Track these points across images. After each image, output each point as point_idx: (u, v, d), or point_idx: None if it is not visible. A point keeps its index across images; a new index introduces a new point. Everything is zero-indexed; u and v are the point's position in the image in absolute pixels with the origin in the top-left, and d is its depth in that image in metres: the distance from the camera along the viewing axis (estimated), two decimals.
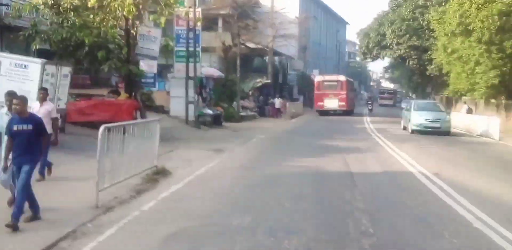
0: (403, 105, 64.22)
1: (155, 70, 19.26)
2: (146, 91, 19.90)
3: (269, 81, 42.55)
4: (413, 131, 24.78)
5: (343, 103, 38.43)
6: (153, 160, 11.63)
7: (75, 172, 10.61)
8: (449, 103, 45.70)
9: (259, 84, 39.42)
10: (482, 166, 14.47)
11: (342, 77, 41.94)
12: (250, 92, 37.78)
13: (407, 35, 38.87)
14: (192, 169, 12.40)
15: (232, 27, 36.14)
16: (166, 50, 20.41)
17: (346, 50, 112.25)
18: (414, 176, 12.06)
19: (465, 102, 31.69)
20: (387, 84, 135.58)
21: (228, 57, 37.67)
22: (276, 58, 55.36)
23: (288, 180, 11.15)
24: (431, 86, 63.93)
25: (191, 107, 24.16)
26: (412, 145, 19.05)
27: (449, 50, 29.45)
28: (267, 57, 45.43)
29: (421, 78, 46.08)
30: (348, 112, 39.05)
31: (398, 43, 39.57)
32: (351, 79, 48.04)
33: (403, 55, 39.50)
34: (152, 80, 19.19)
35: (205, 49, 39.03)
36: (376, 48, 43.34)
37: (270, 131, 25.05)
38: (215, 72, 30.53)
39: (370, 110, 45.39)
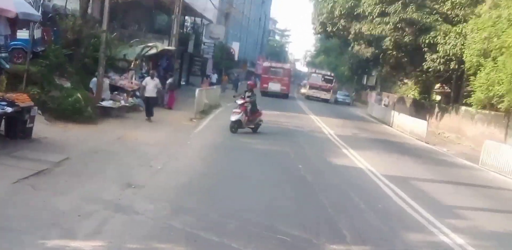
0: (340, 98, 49.03)
1: None
2: None
3: (172, 48, 25.43)
4: None
5: (285, 87, 41.45)
6: None
7: None
8: (420, 108, 31.23)
9: (153, 50, 22.22)
10: None
11: (286, 66, 47.41)
12: (134, 64, 20.62)
13: (400, 2, 23.19)
14: None
15: None
16: None
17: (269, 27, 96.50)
18: None
19: None
20: (303, 69, 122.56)
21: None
22: (188, 19, 38.15)
23: None
24: (378, 79, 50.02)
25: None
26: None
27: None
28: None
29: (396, 71, 30.81)
30: (286, 95, 41.59)
31: (383, 14, 23.82)
32: (292, 68, 56.72)
33: (392, 32, 23.89)
34: None
35: None
36: (344, 19, 27.22)
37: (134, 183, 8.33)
38: (22, 7, 12.07)
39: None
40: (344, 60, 52.22)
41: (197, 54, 38.40)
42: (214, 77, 35.97)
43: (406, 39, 24.35)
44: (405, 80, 39.62)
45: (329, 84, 44.98)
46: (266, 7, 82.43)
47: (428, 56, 23.12)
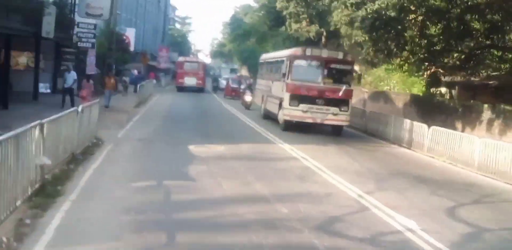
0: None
1: None
2: None
3: None
4: None
5: (200, 81, 39.55)
6: None
7: None
8: (430, 111, 19.06)
9: None
10: None
11: (200, 60, 45.89)
12: None
13: None
14: None
15: None
16: None
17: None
18: None
19: None
20: (205, 59, 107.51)
21: None
22: None
23: None
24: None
25: None
26: None
27: None
28: None
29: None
30: (201, 89, 39.84)
31: None
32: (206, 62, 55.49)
33: None
34: None
35: None
36: None
37: None
38: None
39: None
40: (275, 45, 39.13)
41: (67, 43, 23.40)
42: (71, 78, 20.11)
43: None
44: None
45: (343, 86, 16.69)
46: None
47: None
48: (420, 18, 15.30)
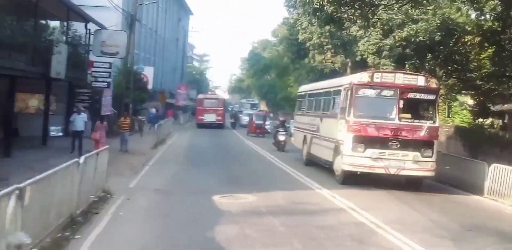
0: None
1: None
2: None
3: None
4: None
5: (220, 117, 39.42)
6: None
7: None
8: (481, 145, 16.81)
9: None
10: None
11: (220, 96, 45.86)
12: None
13: None
14: None
15: None
16: None
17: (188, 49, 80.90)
18: None
19: None
20: (223, 95, 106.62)
21: None
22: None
23: None
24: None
25: None
26: None
27: None
28: None
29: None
30: (221, 125, 39.51)
31: None
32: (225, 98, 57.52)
33: None
34: None
35: None
36: None
37: None
38: None
39: None
40: (298, 78, 37.57)
41: (81, 83, 22.01)
42: (81, 120, 17.70)
43: None
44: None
45: (427, 123, 12.76)
46: (184, 25, 67.00)
47: None
48: (477, 39, 13.29)
